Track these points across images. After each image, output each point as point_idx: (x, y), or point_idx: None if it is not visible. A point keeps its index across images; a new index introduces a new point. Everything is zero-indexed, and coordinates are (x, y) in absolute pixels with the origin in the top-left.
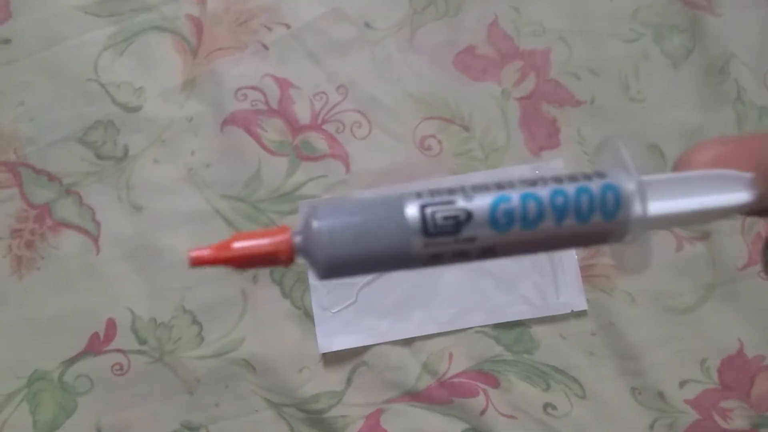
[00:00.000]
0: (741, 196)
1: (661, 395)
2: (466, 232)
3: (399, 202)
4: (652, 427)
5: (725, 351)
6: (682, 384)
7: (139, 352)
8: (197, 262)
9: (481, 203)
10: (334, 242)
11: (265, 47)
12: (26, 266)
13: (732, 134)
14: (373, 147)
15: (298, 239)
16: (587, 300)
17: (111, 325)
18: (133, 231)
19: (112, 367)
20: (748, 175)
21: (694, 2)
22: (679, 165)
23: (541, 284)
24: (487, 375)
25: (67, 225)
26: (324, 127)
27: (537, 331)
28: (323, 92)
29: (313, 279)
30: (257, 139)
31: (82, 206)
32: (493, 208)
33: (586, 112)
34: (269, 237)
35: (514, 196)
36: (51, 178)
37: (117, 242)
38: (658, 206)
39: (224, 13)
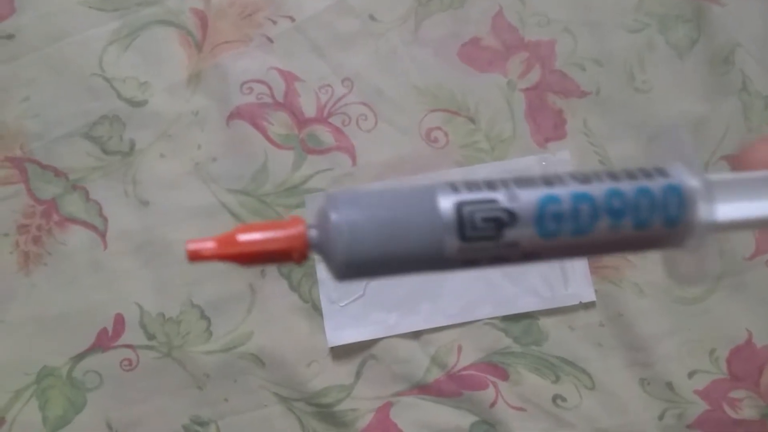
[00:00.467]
0: None
1: (670, 386)
2: (509, 236)
3: (431, 194)
4: (661, 417)
5: (734, 341)
6: (691, 374)
7: (147, 347)
8: (195, 256)
9: (526, 203)
10: (355, 238)
11: (270, 40)
12: (33, 262)
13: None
14: (379, 139)
15: (313, 233)
16: (595, 291)
17: (119, 321)
18: (140, 226)
19: (121, 362)
20: None
21: None
22: (740, 163)
23: (549, 275)
24: (496, 367)
25: (74, 220)
26: (330, 120)
27: (545, 322)
28: (329, 85)
29: (321, 272)
30: (263, 132)
31: (89, 201)
32: (541, 209)
33: (592, 102)
34: (280, 230)
35: (564, 196)
36: (57, 173)
37: (124, 237)
38: (725, 210)
39: (229, 6)
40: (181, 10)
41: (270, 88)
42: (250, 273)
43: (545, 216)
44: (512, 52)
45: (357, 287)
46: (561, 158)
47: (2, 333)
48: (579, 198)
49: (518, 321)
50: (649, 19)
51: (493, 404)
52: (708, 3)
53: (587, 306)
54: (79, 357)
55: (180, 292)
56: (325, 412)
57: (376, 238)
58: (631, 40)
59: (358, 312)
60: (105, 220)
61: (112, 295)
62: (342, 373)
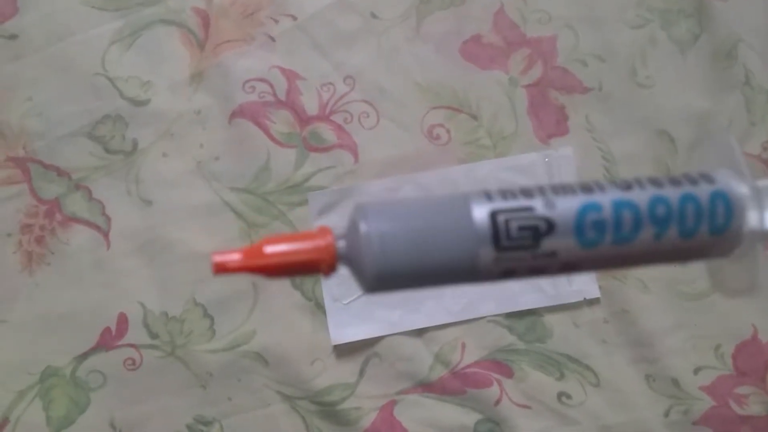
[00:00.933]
0: None
1: (675, 382)
2: (547, 245)
3: (464, 202)
4: (667, 414)
5: (739, 337)
6: (697, 370)
7: (151, 346)
8: (222, 269)
9: (565, 211)
10: (385, 250)
11: (272, 39)
12: (37, 262)
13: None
14: (381, 137)
15: (341, 245)
16: (599, 287)
17: (122, 320)
18: (142, 225)
19: (125, 361)
20: None
21: None
22: None
23: None
24: (500, 364)
25: (77, 220)
26: (332, 117)
27: (549, 319)
28: (330, 83)
29: None
30: (265, 130)
31: (92, 201)
32: (580, 217)
33: (594, 98)
34: (308, 241)
35: (606, 203)
36: (60, 173)
37: (127, 236)
38: None
39: (230, 5)
40: (182, 10)
41: (272, 86)
42: None
43: (585, 224)
44: (514, 48)
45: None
46: (563, 154)
47: (6, 333)
48: (621, 205)
49: (522, 318)
50: (651, 15)
51: (497, 402)
52: None
53: (591, 302)
54: (83, 356)
55: (183, 291)
56: (329, 410)
57: (408, 249)
58: (633, 36)
59: (361, 310)
60: (108, 219)
61: (115, 294)
62: (346, 371)
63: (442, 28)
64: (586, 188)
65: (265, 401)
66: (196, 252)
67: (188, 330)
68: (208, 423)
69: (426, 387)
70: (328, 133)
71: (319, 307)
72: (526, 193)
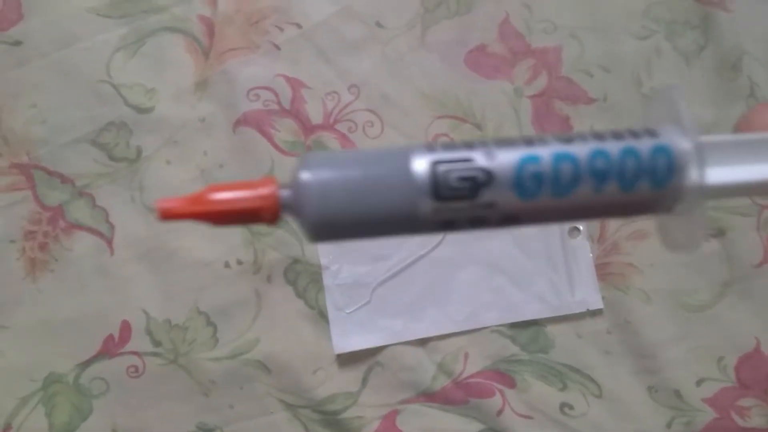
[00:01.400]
0: None
1: (677, 393)
2: (485, 196)
3: (405, 153)
4: (669, 425)
5: (742, 348)
6: (699, 382)
7: (153, 354)
8: (167, 215)
9: (504, 163)
10: (326, 199)
11: (277, 47)
12: (40, 268)
13: None
14: (385, 146)
15: (285, 193)
16: (602, 298)
17: (125, 327)
18: (146, 232)
19: (127, 369)
20: None
21: None
22: (740, 127)
23: (556, 282)
24: (503, 375)
25: (81, 227)
26: (336, 126)
27: (552, 330)
28: (335, 92)
29: (327, 279)
30: (270, 139)
31: (96, 208)
32: (519, 169)
33: (599, 109)
34: (251, 189)
35: (545, 156)
36: (64, 179)
37: (130, 244)
38: (717, 174)
39: (235, 13)
40: (187, 17)
41: (276, 94)
42: (256, 279)
43: (524, 176)
44: (519, 58)
45: (363, 294)
46: None
47: (9, 339)
48: (561, 158)
49: (525, 328)
50: (656, 26)
51: (500, 412)
52: (715, 9)
53: (594, 313)
54: (86, 363)
55: (186, 299)
56: (331, 419)
57: (348, 197)
58: (638, 47)
59: (364, 319)
60: (111, 226)
61: (118, 301)
62: (348, 380)
63: (447, 37)
64: (528, 141)
65: (268, 409)
66: (200, 260)
67: (191, 338)
68: (210, 430)
69: (428, 396)
70: (332, 142)
71: (322, 316)
72: (469, 145)
